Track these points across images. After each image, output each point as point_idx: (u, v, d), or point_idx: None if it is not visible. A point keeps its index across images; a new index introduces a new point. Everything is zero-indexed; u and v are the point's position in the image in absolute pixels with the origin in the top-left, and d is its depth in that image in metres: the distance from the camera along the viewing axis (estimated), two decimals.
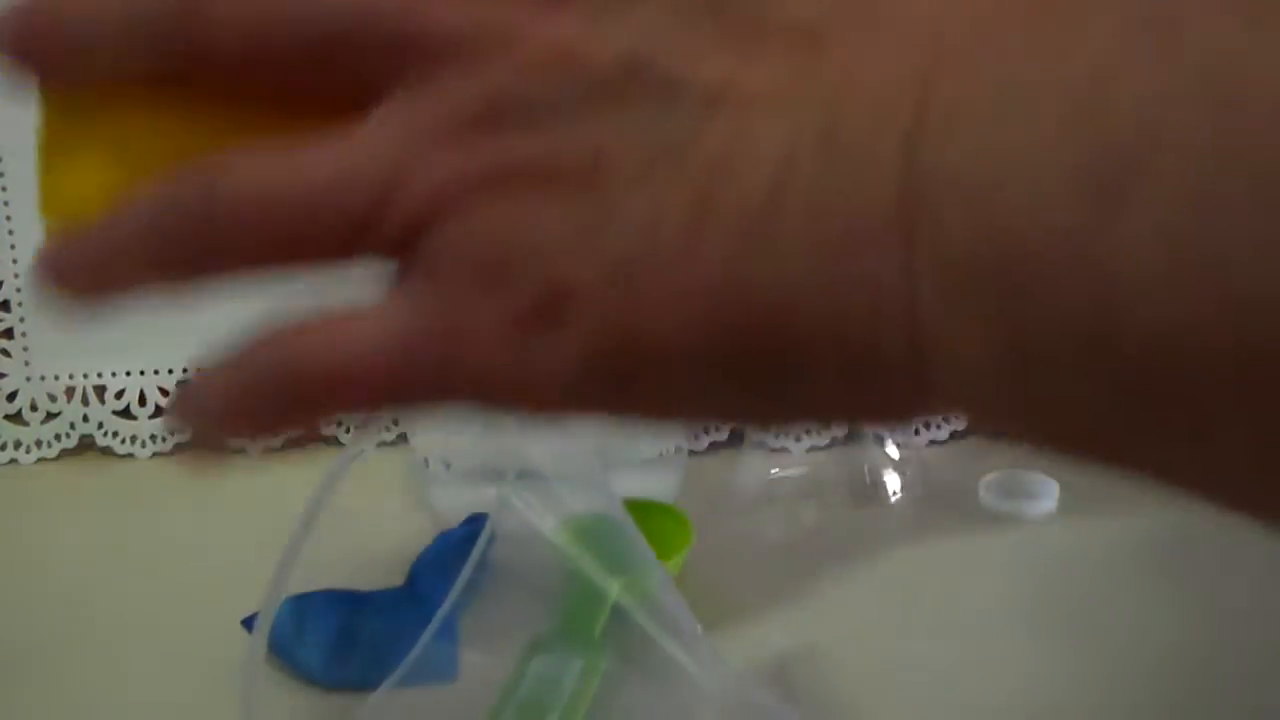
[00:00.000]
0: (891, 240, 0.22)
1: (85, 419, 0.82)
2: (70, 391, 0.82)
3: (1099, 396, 0.22)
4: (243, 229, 0.26)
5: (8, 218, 0.80)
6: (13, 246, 0.80)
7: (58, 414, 0.82)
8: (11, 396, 0.82)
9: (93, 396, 0.82)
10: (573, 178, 0.24)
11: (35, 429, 0.82)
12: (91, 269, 0.26)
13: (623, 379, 0.25)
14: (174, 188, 0.26)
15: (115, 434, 0.82)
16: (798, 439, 0.80)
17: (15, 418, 0.82)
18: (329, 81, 0.26)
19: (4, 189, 0.79)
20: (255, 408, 0.26)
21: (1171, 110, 0.20)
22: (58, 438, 0.82)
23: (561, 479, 0.56)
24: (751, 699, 0.53)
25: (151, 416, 0.82)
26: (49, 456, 0.82)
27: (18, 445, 0.82)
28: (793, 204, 0.23)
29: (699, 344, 0.24)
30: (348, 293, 0.27)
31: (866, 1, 0.24)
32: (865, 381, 0.24)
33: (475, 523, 0.61)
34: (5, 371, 0.82)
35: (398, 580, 0.63)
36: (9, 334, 0.81)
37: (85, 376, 0.82)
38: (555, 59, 0.25)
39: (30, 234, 0.80)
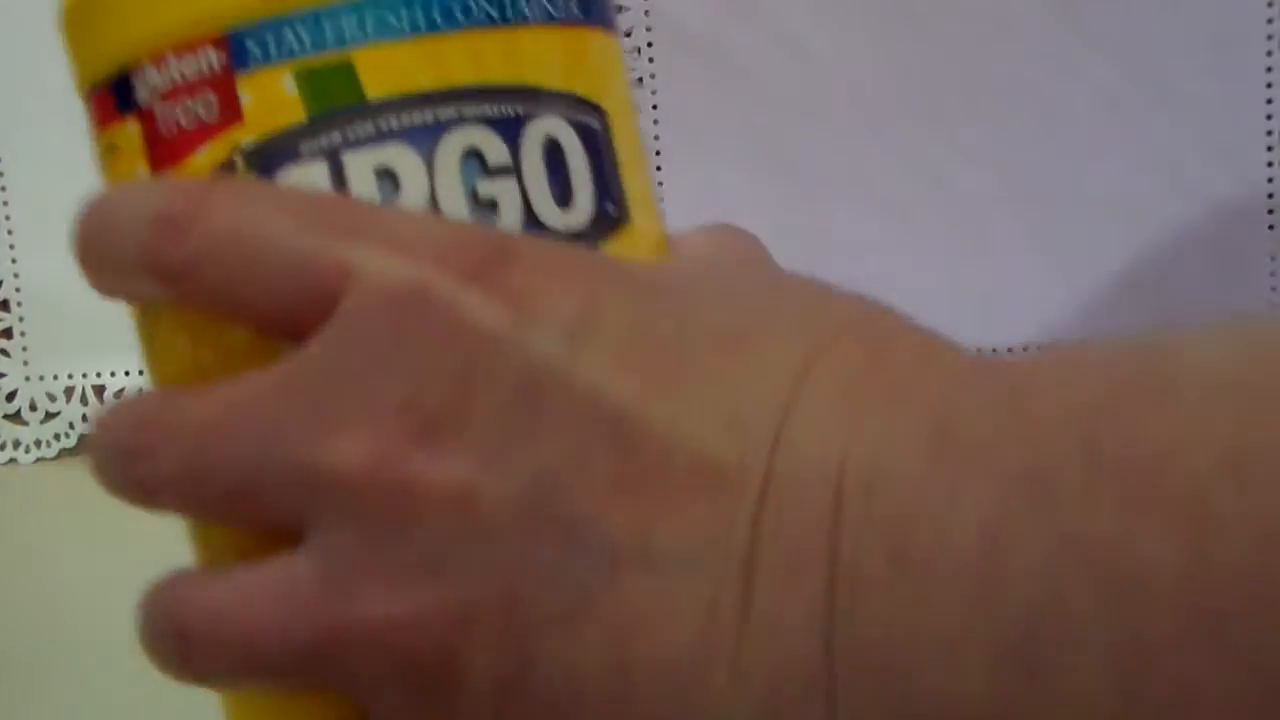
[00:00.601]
0: (814, 705, 0.23)
1: (85, 419, 0.82)
2: (70, 391, 0.82)
3: None
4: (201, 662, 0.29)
5: (7, 218, 0.80)
6: (12, 246, 0.80)
7: (58, 414, 0.82)
8: (11, 396, 0.82)
9: (92, 396, 0.82)
10: (489, 621, 0.24)
11: (35, 429, 0.82)
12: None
13: None
14: (145, 620, 0.29)
15: None
16: None
17: (15, 417, 0.82)
18: (261, 515, 0.27)
19: (4, 189, 0.79)
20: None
21: (1062, 595, 0.21)
22: (57, 437, 0.82)
23: None
24: None
25: None
26: (49, 456, 0.82)
27: (17, 445, 0.82)
28: (718, 667, 0.24)
29: None
30: None
31: (767, 433, 0.24)
32: None
33: None
34: (5, 371, 0.82)
35: None
36: (9, 334, 0.82)
37: (85, 376, 0.82)
38: (455, 502, 0.24)
39: (30, 234, 0.80)
